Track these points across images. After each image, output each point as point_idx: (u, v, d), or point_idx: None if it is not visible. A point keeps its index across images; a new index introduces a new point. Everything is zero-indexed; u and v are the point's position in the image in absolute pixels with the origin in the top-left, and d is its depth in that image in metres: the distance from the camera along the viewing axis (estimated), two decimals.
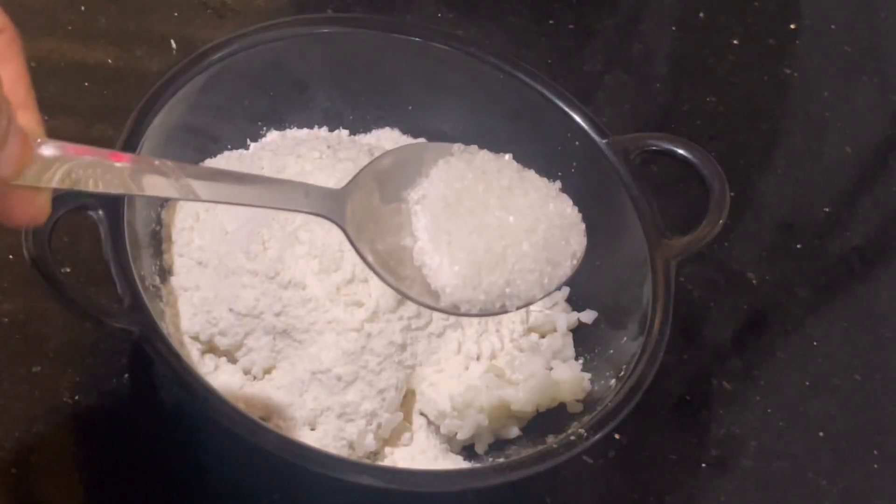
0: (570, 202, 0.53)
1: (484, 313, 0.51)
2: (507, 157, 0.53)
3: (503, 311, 0.51)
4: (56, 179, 0.41)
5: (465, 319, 0.65)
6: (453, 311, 0.51)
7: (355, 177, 0.51)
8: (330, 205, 0.50)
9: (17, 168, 0.40)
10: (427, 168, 0.52)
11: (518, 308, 0.52)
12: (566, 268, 0.52)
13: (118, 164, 0.43)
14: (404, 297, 0.51)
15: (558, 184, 0.53)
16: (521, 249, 0.51)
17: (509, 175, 0.52)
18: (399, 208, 0.51)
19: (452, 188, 0.51)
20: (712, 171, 0.66)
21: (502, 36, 0.86)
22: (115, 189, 0.43)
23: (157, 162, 0.45)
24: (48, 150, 0.41)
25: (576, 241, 0.52)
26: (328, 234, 0.61)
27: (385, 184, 0.52)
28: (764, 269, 0.79)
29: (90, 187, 0.42)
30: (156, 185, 0.44)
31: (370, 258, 0.50)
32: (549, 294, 0.52)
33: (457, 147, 0.53)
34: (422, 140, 0.72)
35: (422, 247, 0.51)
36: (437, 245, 0.50)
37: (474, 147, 0.53)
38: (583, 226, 0.53)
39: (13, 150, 0.40)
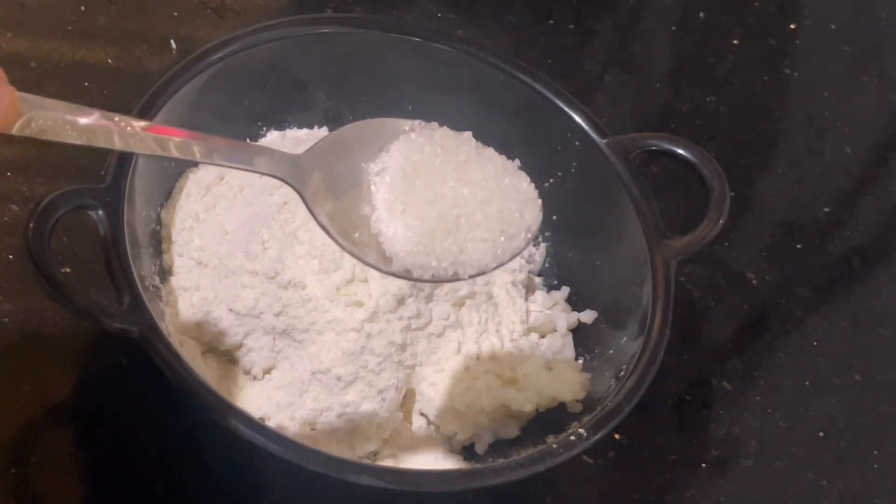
0: (528, 179, 0.54)
1: (436, 279, 0.52)
2: (467, 134, 0.54)
3: (456, 278, 0.52)
4: (17, 127, 0.44)
5: (465, 319, 0.65)
6: (405, 275, 0.52)
7: (316, 145, 0.53)
8: (289, 169, 0.51)
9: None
10: (388, 142, 0.53)
11: (471, 276, 0.53)
12: (520, 240, 0.53)
13: (84, 119, 0.46)
14: (359, 259, 0.52)
15: (517, 162, 0.55)
16: (475, 219, 0.52)
17: (467, 150, 0.53)
18: (360, 179, 0.53)
19: (410, 160, 0.52)
20: (712, 171, 0.66)
21: (502, 36, 0.86)
22: (82, 140, 0.46)
23: (117, 118, 0.47)
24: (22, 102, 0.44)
25: (531, 215, 0.53)
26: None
27: (346, 155, 0.53)
28: (764, 269, 0.79)
29: (55, 137, 0.45)
30: (124, 140, 0.47)
31: (325, 221, 0.52)
32: (502, 264, 0.53)
33: (417, 123, 0.54)
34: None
35: (379, 216, 0.52)
36: (393, 214, 0.52)
37: (434, 124, 0.55)
38: (539, 202, 0.54)
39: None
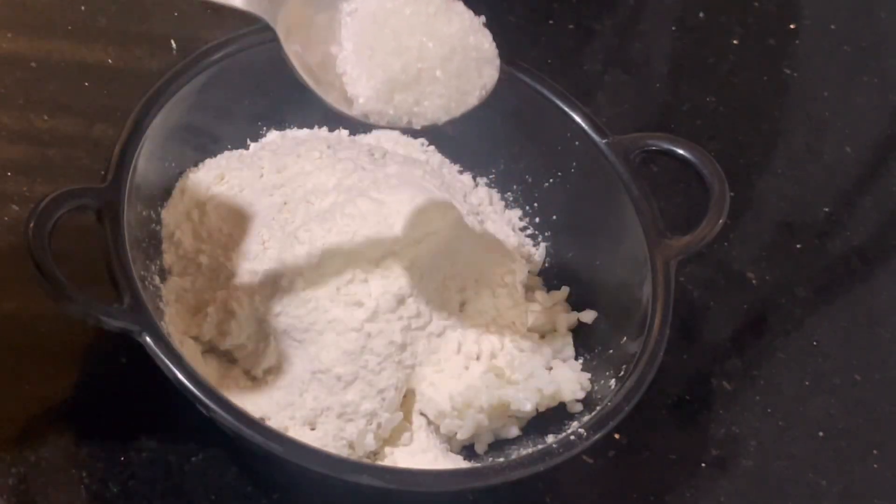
0: (491, 37, 0.57)
1: (391, 126, 0.55)
2: None
3: (409, 126, 0.55)
4: None
5: (465, 319, 0.65)
6: (363, 118, 0.55)
7: None
8: (264, 4, 0.54)
9: None
10: None
11: (423, 126, 0.56)
12: (474, 97, 0.56)
13: None
14: (321, 98, 0.55)
15: (483, 18, 0.57)
16: (434, 75, 0.55)
17: (437, 3, 0.56)
18: (332, 17, 0.55)
19: (383, 7, 0.55)
20: (712, 171, 0.66)
21: (502, 36, 0.86)
22: None
23: None
24: None
25: (488, 74, 0.56)
26: (328, 235, 0.61)
27: None
28: (764, 269, 0.79)
29: None
30: None
31: (294, 61, 0.54)
32: (452, 118, 0.56)
33: None
34: (422, 140, 0.72)
35: (345, 56, 0.55)
36: (359, 58, 0.54)
37: None
38: (498, 61, 0.57)
39: None
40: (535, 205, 0.72)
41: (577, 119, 0.69)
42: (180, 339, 0.60)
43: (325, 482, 0.55)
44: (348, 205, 0.63)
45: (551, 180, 0.70)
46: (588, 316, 0.68)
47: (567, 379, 0.63)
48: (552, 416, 0.63)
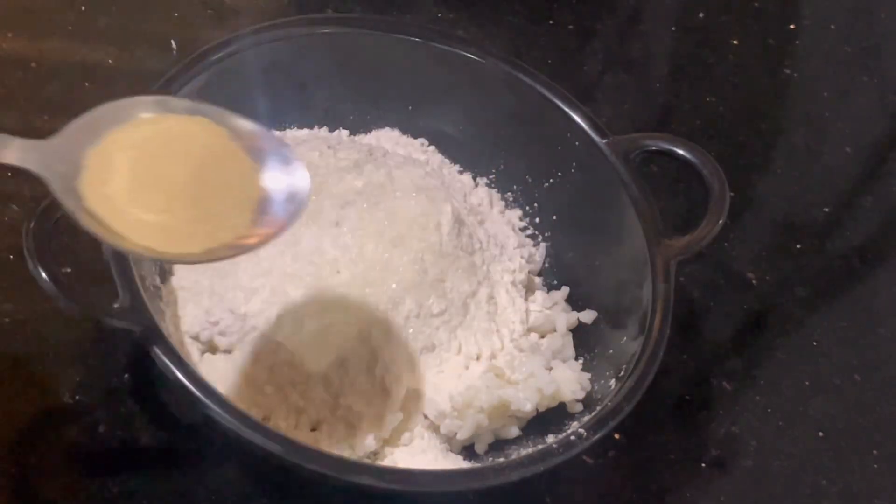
0: None
1: None
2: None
3: None
4: None
5: (465, 319, 0.65)
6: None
7: (67, 127, 0.52)
8: (34, 157, 0.50)
9: None
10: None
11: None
12: None
13: None
14: (113, 246, 0.51)
15: None
16: None
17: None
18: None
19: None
20: (712, 171, 0.66)
21: (502, 36, 0.86)
22: None
23: None
24: None
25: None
26: (328, 234, 0.61)
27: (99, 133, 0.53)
28: (764, 269, 0.79)
29: None
30: None
31: (77, 213, 0.50)
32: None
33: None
34: (422, 140, 0.72)
35: None
36: None
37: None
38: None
39: None
40: (535, 205, 0.72)
41: (577, 119, 0.69)
42: (180, 339, 0.60)
43: (325, 482, 0.55)
44: (348, 207, 0.63)
45: (551, 180, 0.70)
46: (588, 316, 0.68)
47: (567, 379, 0.63)
48: (552, 416, 0.63)
